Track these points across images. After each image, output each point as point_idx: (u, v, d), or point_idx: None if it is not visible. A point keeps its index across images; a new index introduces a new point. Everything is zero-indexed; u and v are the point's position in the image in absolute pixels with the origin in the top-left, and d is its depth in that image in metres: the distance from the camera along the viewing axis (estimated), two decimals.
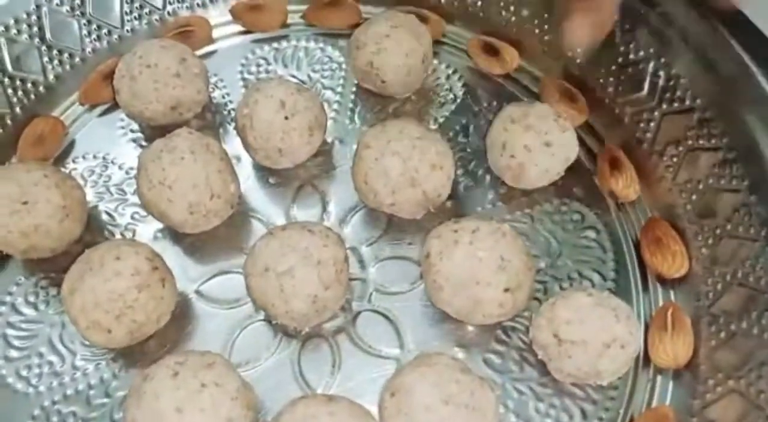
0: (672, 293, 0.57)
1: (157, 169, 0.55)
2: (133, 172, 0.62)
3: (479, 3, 0.68)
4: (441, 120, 0.65)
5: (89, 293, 0.50)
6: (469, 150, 0.64)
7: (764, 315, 0.51)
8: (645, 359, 0.54)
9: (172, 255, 0.58)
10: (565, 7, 0.53)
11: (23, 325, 0.57)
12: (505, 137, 0.57)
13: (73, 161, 0.64)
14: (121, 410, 0.53)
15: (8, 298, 0.58)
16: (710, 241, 0.56)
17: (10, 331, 0.57)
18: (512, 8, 0.67)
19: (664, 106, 0.60)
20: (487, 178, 0.62)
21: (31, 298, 0.58)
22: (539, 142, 0.56)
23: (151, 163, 0.55)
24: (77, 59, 0.66)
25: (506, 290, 0.50)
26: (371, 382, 0.54)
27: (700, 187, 0.57)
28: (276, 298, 0.51)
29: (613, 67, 0.62)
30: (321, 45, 0.70)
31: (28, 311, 0.57)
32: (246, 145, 0.60)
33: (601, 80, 0.63)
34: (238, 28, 0.71)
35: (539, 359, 0.53)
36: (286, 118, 0.57)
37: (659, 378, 0.54)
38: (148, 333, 0.53)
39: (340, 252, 0.53)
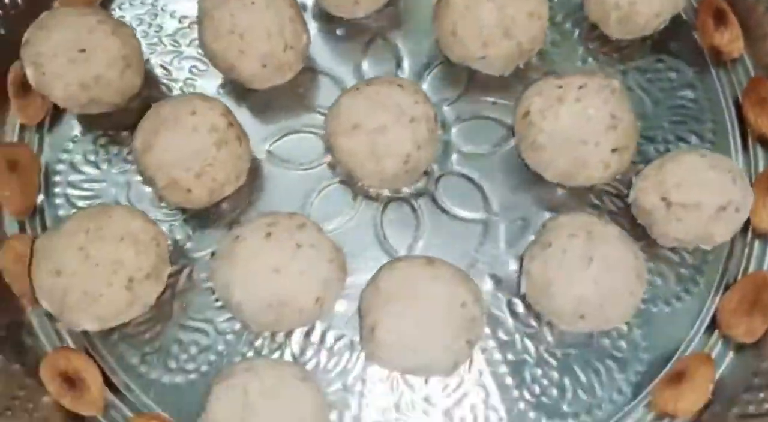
0: None
1: (225, 15, 0.49)
2: (188, 21, 0.57)
3: None
4: None
5: (166, 150, 0.46)
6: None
7: None
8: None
9: (238, 114, 0.52)
10: None
11: (85, 185, 0.53)
12: None
13: (120, 8, 0.58)
14: (202, 271, 0.51)
15: (65, 156, 0.54)
16: None
17: (73, 191, 0.53)
18: None
19: None
20: (576, 32, 0.57)
21: (91, 157, 0.54)
22: None
23: (216, 10, 0.50)
24: None
25: (614, 150, 0.47)
26: (455, 246, 0.52)
27: None
28: (366, 158, 0.48)
29: None
30: None
31: (90, 170, 0.54)
32: None
33: None
34: None
35: (637, 223, 0.50)
36: None
37: (757, 242, 0.52)
38: (227, 192, 0.49)
39: (431, 110, 0.49)
